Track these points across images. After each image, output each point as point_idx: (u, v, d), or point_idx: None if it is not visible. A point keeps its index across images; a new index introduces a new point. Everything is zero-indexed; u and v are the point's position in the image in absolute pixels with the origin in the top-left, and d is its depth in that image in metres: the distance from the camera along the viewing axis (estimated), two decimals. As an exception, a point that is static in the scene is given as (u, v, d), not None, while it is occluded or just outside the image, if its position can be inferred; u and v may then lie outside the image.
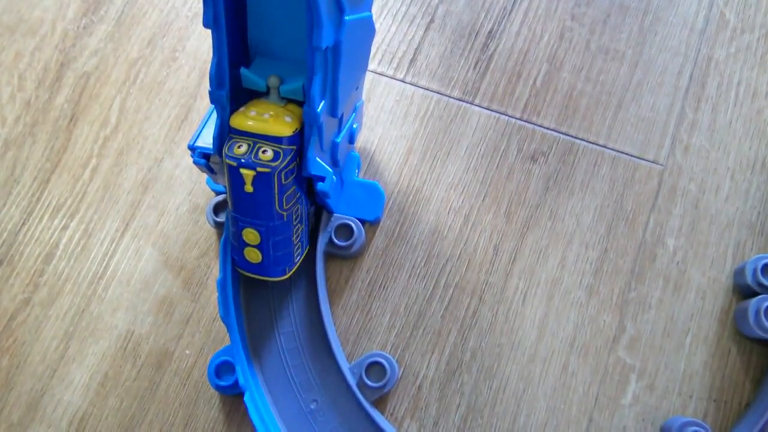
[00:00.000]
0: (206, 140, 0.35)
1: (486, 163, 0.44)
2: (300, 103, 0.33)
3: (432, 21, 0.47)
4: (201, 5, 0.48)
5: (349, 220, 0.40)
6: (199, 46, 0.47)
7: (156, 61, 0.47)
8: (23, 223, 0.44)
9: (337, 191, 0.39)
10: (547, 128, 0.44)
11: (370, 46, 0.37)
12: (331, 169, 0.35)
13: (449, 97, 0.45)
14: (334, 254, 0.41)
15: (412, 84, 0.46)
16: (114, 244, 0.43)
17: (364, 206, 0.41)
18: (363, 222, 0.41)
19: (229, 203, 0.33)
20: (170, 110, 0.46)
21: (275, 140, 0.31)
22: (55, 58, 0.47)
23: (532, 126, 0.45)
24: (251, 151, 0.31)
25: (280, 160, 0.31)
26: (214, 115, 0.34)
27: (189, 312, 0.41)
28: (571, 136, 0.44)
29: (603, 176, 0.43)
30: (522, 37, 0.47)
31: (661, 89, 0.45)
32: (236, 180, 0.32)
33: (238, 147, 0.31)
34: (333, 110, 0.34)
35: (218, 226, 0.41)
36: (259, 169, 0.31)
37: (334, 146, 0.36)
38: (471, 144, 0.44)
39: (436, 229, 0.42)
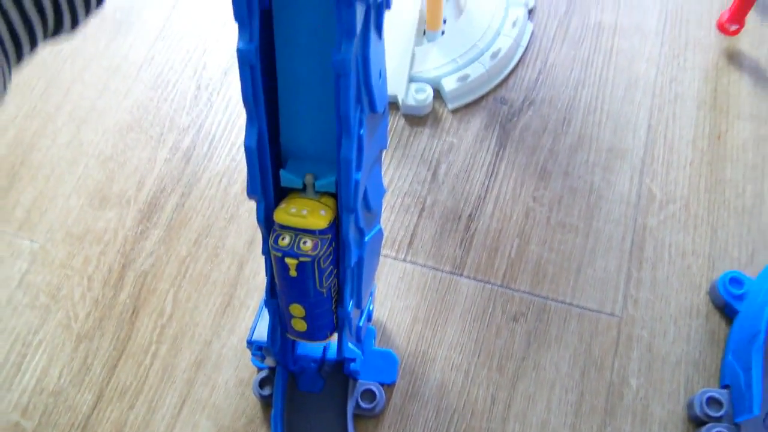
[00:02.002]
0: (261, 334, 0.44)
1: (477, 326, 0.54)
2: (333, 195, 0.37)
3: (423, 209, 0.59)
4: (236, 209, 0.60)
5: (371, 385, 0.49)
6: (236, 242, 0.58)
7: (201, 257, 0.58)
8: (95, 406, 0.52)
9: (361, 363, 0.49)
10: (524, 292, 0.55)
11: (381, 246, 0.48)
12: (359, 351, 0.44)
13: (442, 271, 0.56)
14: (360, 415, 0.49)
15: (411, 262, 0.57)
16: (174, 419, 0.51)
17: (382, 371, 0.50)
18: (382, 384, 0.50)
19: (277, 283, 0.39)
20: (215, 299, 0.56)
21: (313, 232, 0.35)
22: (117, 261, 0.58)
23: (511, 291, 0.55)
24: (293, 243, 0.35)
25: (318, 249, 0.36)
26: (265, 312, 0.44)
27: (241, 474, 0.49)
28: (543, 298, 0.55)
29: (572, 330, 0.53)
30: (495, 218, 0.58)
31: (610, 254, 0.56)
32: (282, 267, 0.37)
33: (282, 239, 0.36)
34: (358, 305, 0.44)
35: (263, 398, 0.50)
36: (301, 258, 0.36)
37: (358, 329, 0.46)
38: (463, 310, 0.54)
39: (442, 385, 0.51)
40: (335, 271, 0.39)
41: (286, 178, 0.36)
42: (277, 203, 0.37)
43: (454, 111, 0.63)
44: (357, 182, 0.35)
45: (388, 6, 0.34)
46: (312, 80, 0.34)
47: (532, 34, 0.66)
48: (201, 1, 0.71)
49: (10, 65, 0.27)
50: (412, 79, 0.62)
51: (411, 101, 0.61)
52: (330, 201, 0.37)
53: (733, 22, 0.62)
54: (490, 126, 0.62)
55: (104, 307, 0.56)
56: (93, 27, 0.70)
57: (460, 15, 0.66)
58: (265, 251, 0.40)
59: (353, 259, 0.40)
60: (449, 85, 0.62)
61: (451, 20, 0.67)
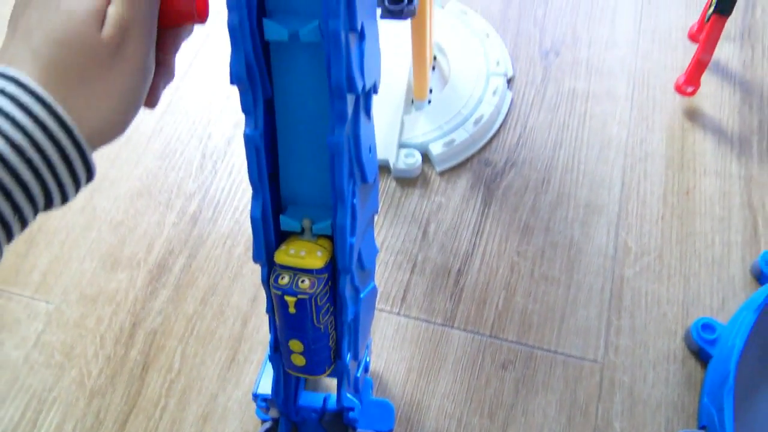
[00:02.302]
0: (265, 387, 0.48)
1: (468, 375, 0.57)
2: (329, 237, 0.39)
3: (415, 266, 0.63)
4: (240, 269, 0.64)
5: (369, 433, 0.52)
6: (240, 300, 0.62)
7: (207, 315, 0.61)
8: (107, 460, 0.54)
9: (360, 412, 0.52)
10: (511, 341, 0.59)
11: (375, 301, 0.52)
12: (357, 401, 0.47)
13: (434, 323, 0.60)
14: (360, 462, 0.52)
15: (405, 316, 0.60)
16: (182, 470, 0.54)
17: (379, 420, 0.53)
18: (379, 433, 0.53)
19: (277, 320, 0.41)
20: (221, 354, 0.59)
21: (311, 272, 0.38)
22: (128, 320, 0.61)
23: (499, 341, 0.59)
24: (292, 282, 0.38)
25: (315, 287, 0.39)
26: (269, 366, 0.48)
27: None
28: (530, 346, 0.58)
29: (558, 376, 0.57)
30: (483, 273, 0.62)
31: (591, 303, 0.60)
32: (282, 304, 0.40)
33: (282, 278, 0.39)
34: (355, 357, 0.47)
35: (267, 447, 0.53)
36: (299, 296, 0.38)
37: (356, 380, 0.49)
38: (455, 360, 0.58)
39: (437, 432, 0.54)
40: (331, 309, 0.41)
41: (286, 222, 0.39)
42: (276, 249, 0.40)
43: (442, 173, 0.68)
44: (352, 245, 0.39)
45: (375, 91, 0.39)
46: (308, 148, 0.38)
47: (512, 101, 0.72)
48: (205, 77, 0.77)
49: (0, 246, 0.28)
50: (402, 145, 0.68)
51: (401, 165, 0.66)
52: (326, 243, 0.39)
53: (689, 84, 0.67)
54: (475, 186, 0.67)
55: (116, 364, 0.59)
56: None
57: (445, 85, 0.72)
58: (269, 309, 0.44)
59: (350, 315, 0.44)
60: (436, 149, 0.67)
61: (437, 90, 0.72)
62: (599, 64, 0.74)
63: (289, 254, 0.38)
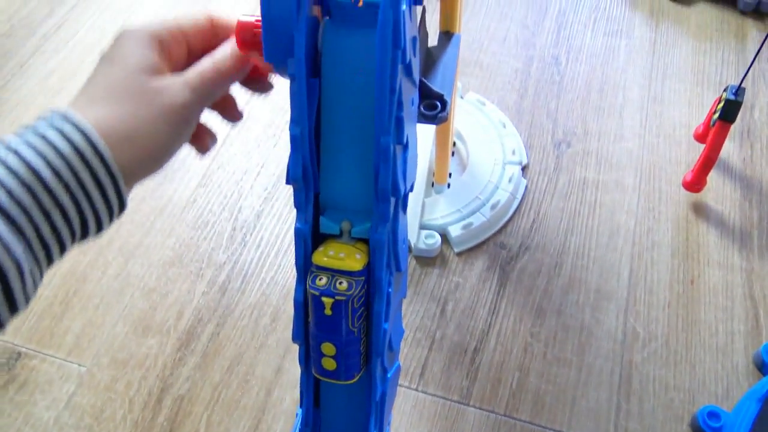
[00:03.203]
0: (293, 459, 0.50)
1: (483, 453, 0.59)
2: (366, 241, 0.40)
3: (433, 343, 0.66)
4: (266, 339, 0.67)
5: (387, 508, 0.54)
6: (264, 370, 0.65)
7: (233, 384, 0.64)
8: None
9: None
10: (525, 421, 0.61)
11: (398, 379, 0.55)
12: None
13: (451, 400, 0.62)
14: None
15: (423, 392, 0.63)
16: None
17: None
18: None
19: (311, 323, 0.41)
20: (245, 423, 0.61)
21: (349, 274, 0.38)
22: (157, 385, 0.64)
23: (513, 420, 0.61)
24: (330, 283, 0.38)
25: (353, 290, 0.38)
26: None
27: None
28: (543, 427, 0.60)
29: (569, 458, 0.59)
30: (498, 352, 0.65)
31: (601, 387, 0.63)
32: (318, 305, 0.39)
33: (320, 279, 0.38)
34: (379, 433, 0.50)
35: None
36: (337, 297, 0.38)
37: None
38: (470, 437, 0.60)
39: None
40: (365, 314, 0.41)
41: (325, 224, 0.39)
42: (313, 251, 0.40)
43: (460, 254, 0.72)
44: (385, 331, 0.43)
45: (411, 190, 0.44)
46: (350, 152, 0.39)
47: (526, 188, 0.77)
48: (237, 153, 0.82)
49: (41, 269, 0.30)
50: (422, 227, 0.72)
51: (422, 245, 0.70)
52: (363, 247, 0.39)
53: (696, 182, 0.72)
54: (491, 268, 0.71)
55: (143, 429, 0.61)
56: (144, 172, 0.80)
57: (464, 170, 0.77)
58: (303, 390, 0.46)
59: (378, 394, 0.46)
60: (455, 231, 0.71)
61: (456, 175, 0.77)
62: (608, 155, 0.80)
63: (328, 255, 0.39)
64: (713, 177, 0.76)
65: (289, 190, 0.78)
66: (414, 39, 0.40)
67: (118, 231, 0.75)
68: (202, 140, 0.40)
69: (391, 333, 0.48)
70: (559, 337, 0.66)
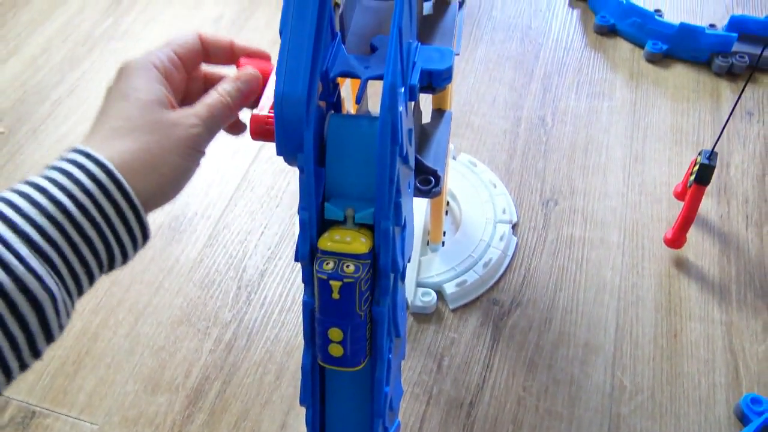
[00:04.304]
0: None
1: (480, 506, 0.62)
2: (370, 227, 0.41)
3: (430, 397, 0.69)
4: (270, 396, 0.69)
5: None
6: (269, 426, 0.67)
7: (239, 440, 0.66)
8: None
9: None
10: (519, 474, 0.64)
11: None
12: None
13: (448, 454, 0.65)
14: None
15: (421, 446, 0.66)
16: None
17: None
18: None
19: (317, 309, 0.41)
20: (251, 479, 0.64)
21: (355, 257, 0.39)
22: (166, 443, 0.66)
23: (508, 473, 0.64)
24: (337, 267, 0.39)
25: (360, 273, 0.39)
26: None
27: None
28: (536, 479, 0.63)
29: None
30: (492, 406, 0.68)
31: (591, 439, 0.66)
32: (325, 289, 0.39)
33: (326, 264, 0.39)
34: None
35: None
36: (345, 280, 0.39)
37: None
38: (467, 490, 0.63)
39: None
40: (371, 298, 0.42)
41: (330, 210, 0.41)
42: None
43: (455, 310, 0.75)
44: (386, 394, 0.46)
45: (408, 261, 0.48)
46: (354, 148, 0.42)
47: (516, 245, 0.81)
48: (241, 213, 0.86)
49: (73, 299, 0.33)
50: (418, 284, 0.76)
51: (418, 303, 0.74)
52: (367, 232, 0.41)
53: (676, 239, 0.76)
54: (485, 323, 0.74)
55: (153, 486, 0.64)
56: (153, 233, 0.84)
57: (457, 229, 0.81)
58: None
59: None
60: (450, 289, 0.75)
61: (450, 233, 0.81)
62: (593, 213, 0.84)
63: (334, 240, 0.40)
64: (693, 233, 0.81)
65: (291, 250, 0.82)
66: (410, 131, 0.45)
67: (128, 291, 0.79)
68: (236, 128, 0.46)
69: (391, 395, 0.51)
70: (550, 390, 0.69)
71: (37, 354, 0.33)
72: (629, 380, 0.70)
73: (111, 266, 0.36)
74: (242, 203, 0.87)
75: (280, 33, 0.40)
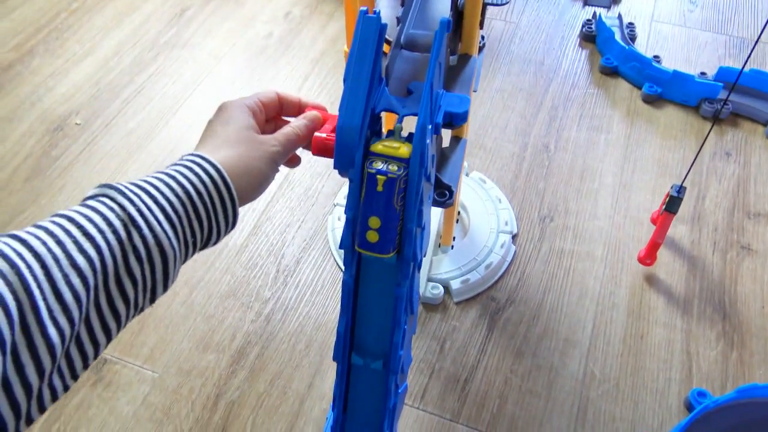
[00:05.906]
0: (323, 449, 0.67)
1: (467, 460, 0.76)
2: (409, 140, 0.49)
3: (432, 372, 0.83)
4: (300, 361, 0.84)
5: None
6: (299, 385, 0.82)
7: (274, 394, 0.81)
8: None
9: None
10: (501, 438, 0.78)
11: (405, 397, 0.72)
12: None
13: (444, 418, 0.79)
14: None
15: (422, 410, 0.80)
16: None
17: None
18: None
19: (362, 203, 0.47)
20: (282, 425, 0.78)
21: (399, 160, 0.46)
22: (213, 392, 0.81)
23: (492, 437, 0.78)
24: (384, 165, 0.46)
25: (401, 172, 0.46)
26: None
27: None
28: (514, 444, 0.77)
29: (533, 468, 0.75)
30: (483, 383, 0.82)
31: (563, 416, 0.79)
32: (372, 182, 0.46)
33: (375, 163, 0.46)
34: (389, 434, 0.67)
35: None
36: (389, 175, 0.45)
37: (387, 452, 0.69)
38: (457, 448, 0.77)
39: (440, 501, 0.72)
40: (404, 198, 0.48)
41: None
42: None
43: (458, 303, 0.89)
44: (400, 356, 0.61)
45: (425, 255, 0.62)
46: None
47: (515, 253, 0.95)
48: (282, 209, 1.01)
49: (178, 264, 0.42)
50: (429, 279, 0.90)
51: (428, 294, 0.88)
52: (409, 145, 0.49)
53: (647, 257, 0.90)
54: (483, 316, 0.88)
55: (202, 425, 0.78)
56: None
57: (465, 235, 0.95)
58: (336, 395, 0.63)
59: (391, 402, 0.64)
60: (455, 285, 0.89)
61: (458, 238, 0.96)
62: (583, 230, 0.98)
63: (385, 145, 0.48)
64: (666, 254, 0.94)
65: (323, 242, 0.96)
66: (433, 156, 0.59)
67: (185, 266, 0.94)
68: (293, 161, 0.59)
69: (404, 361, 0.66)
70: (532, 374, 0.83)
71: (153, 299, 0.47)
72: (599, 370, 0.83)
73: (206, 244, 0.46)
74: (283, 200, 1.02)
75: (344, 80, 0.54)
